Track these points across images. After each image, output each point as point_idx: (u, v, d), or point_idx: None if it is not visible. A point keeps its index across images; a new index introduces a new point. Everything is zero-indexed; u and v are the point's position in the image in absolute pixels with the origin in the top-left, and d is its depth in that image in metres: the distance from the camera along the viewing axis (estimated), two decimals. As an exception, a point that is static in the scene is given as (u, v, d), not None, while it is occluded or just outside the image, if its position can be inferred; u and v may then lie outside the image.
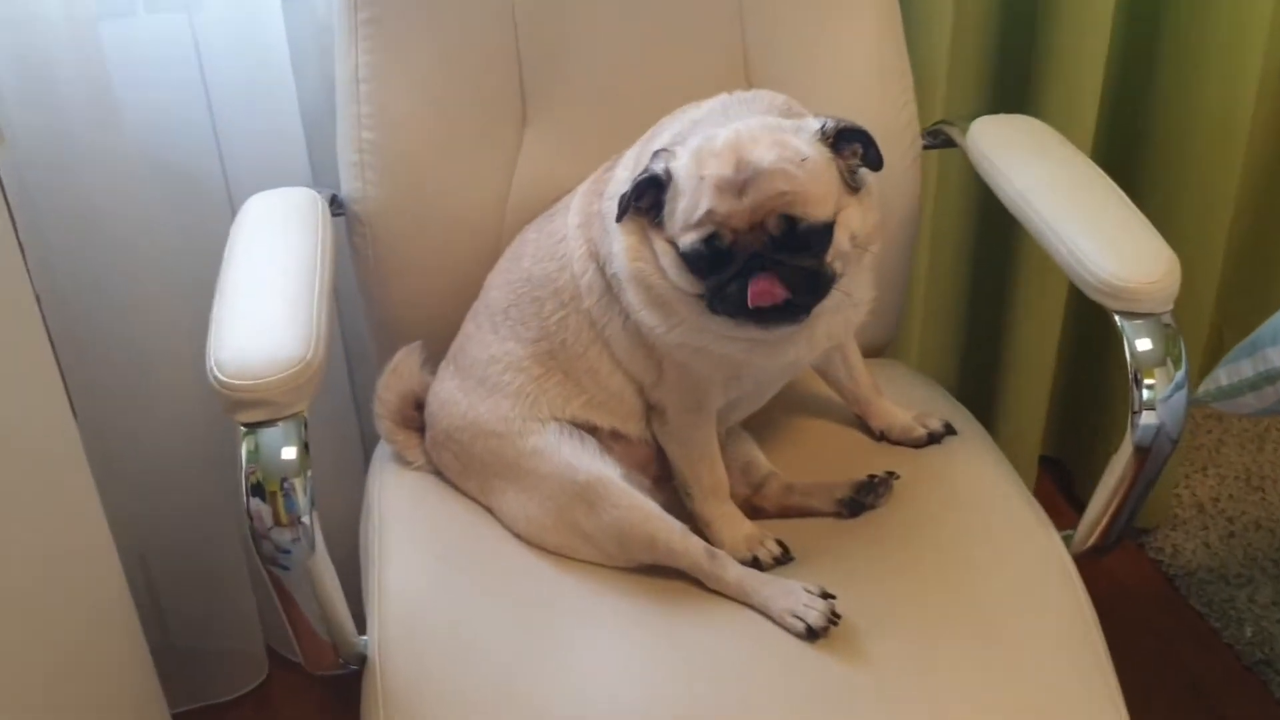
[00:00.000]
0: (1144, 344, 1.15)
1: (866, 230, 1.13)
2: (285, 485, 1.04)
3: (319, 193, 1.33)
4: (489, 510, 1.29)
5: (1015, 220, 1.37)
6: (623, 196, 1.13)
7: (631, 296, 1.17)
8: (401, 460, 1.36)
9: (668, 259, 1.12)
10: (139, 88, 1.49)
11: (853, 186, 1.12)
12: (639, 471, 1.27)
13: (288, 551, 1.05)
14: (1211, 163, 1.76)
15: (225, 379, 1.03)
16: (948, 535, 1.26)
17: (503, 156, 1.40)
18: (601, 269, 1.22)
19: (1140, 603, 1.99)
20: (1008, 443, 1.98)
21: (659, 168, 1.11)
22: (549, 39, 1.38)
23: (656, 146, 1.16)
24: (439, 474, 1.34)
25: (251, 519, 1.03)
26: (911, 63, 1.47)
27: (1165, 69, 1.76)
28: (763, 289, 1.06)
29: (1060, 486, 2.17)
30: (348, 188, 1.37)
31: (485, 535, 1.27)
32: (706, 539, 1.25)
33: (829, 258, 1.10)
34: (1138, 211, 1.22)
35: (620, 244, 1.15)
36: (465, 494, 1.32)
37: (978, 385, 2.02)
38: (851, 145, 1.13)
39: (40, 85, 1.40)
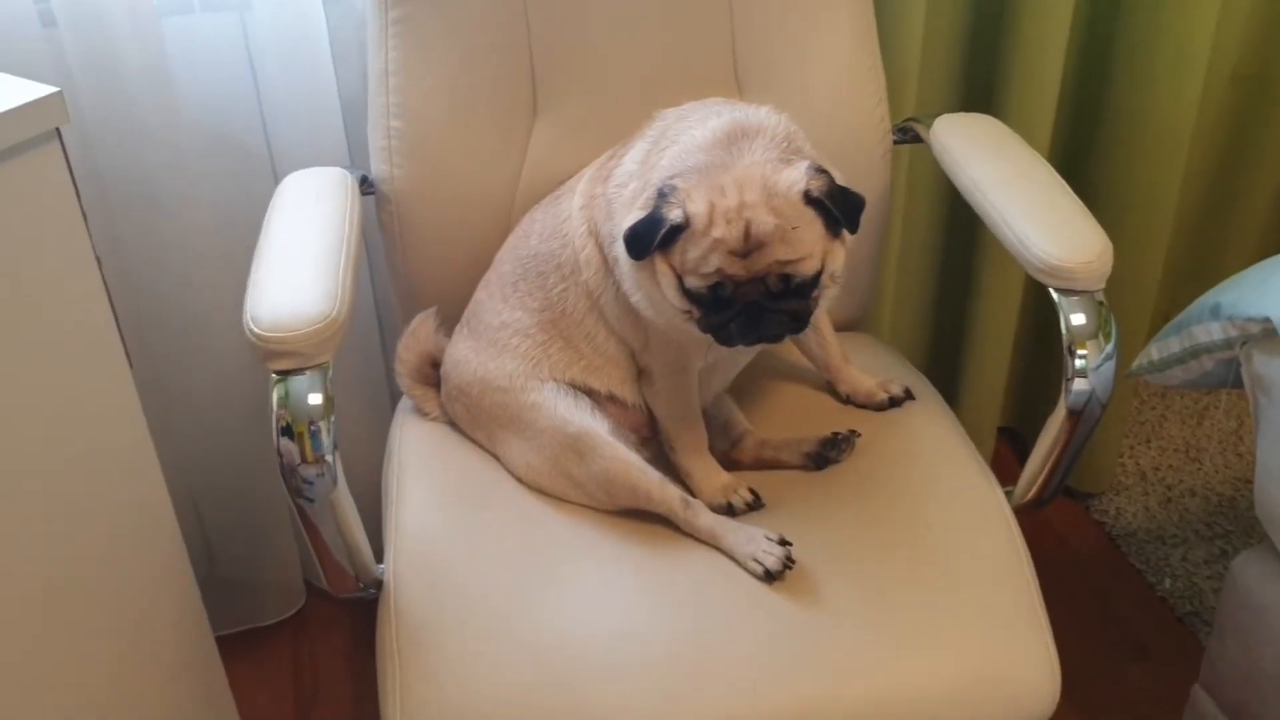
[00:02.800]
0: (1078, 318, 1.16)
1: (842, 265, 1.15)
2: (312, 427, 1.06)
3: (351, 173, 1.35)
4: (495, 457, 1.31)
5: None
6: (643, 233, 1.12)
7: (627, 284, 1.19)
8: (420, 412, 1.39)
9: (668, 280, 1.13)
10: (196, 78, 1.51)
11: (834, 234, 1.13)
12: (631, 432, 1.29)
13: (311, 484, 1.07)
14: (1158, 160, 1.76)
15: (259, 331, 1.05)
16: (900, 488, 1.28)
17: (514, 143, 1.41)
18: (600, 246, 1.23)
19: (1085, 560, 1.99)
20: (969, 413, 2.00)
21: (677, 216, 1.10)
22: (558, 38, 1.39)
23: (662, 165, 1.16)
24: (453, 425, 1.36)
25: (281, 456, 1.06)
26: (885, 62, 1.47)
27: (1118, 72, 1.76)
28: (756, 335, 1.13)
29: (1018, 453, 2.17)
30: (377, 170, 1.39)
31: (491, 479, 1.29)
32: (688, 488, 1.27)
33: (815, 294, 1.13)
34: (1078, 200, 1.23)
35: (626, 258, 1.15)
36: (475, 442, 1.33)
37: (943, 360, 2.03)
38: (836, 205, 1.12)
39: (107, 76, 1.42)
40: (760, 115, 1.17)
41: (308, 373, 1.06)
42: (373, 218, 1.42)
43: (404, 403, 1.42)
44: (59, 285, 1.15)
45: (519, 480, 1.29)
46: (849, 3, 1.42)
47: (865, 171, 1.43)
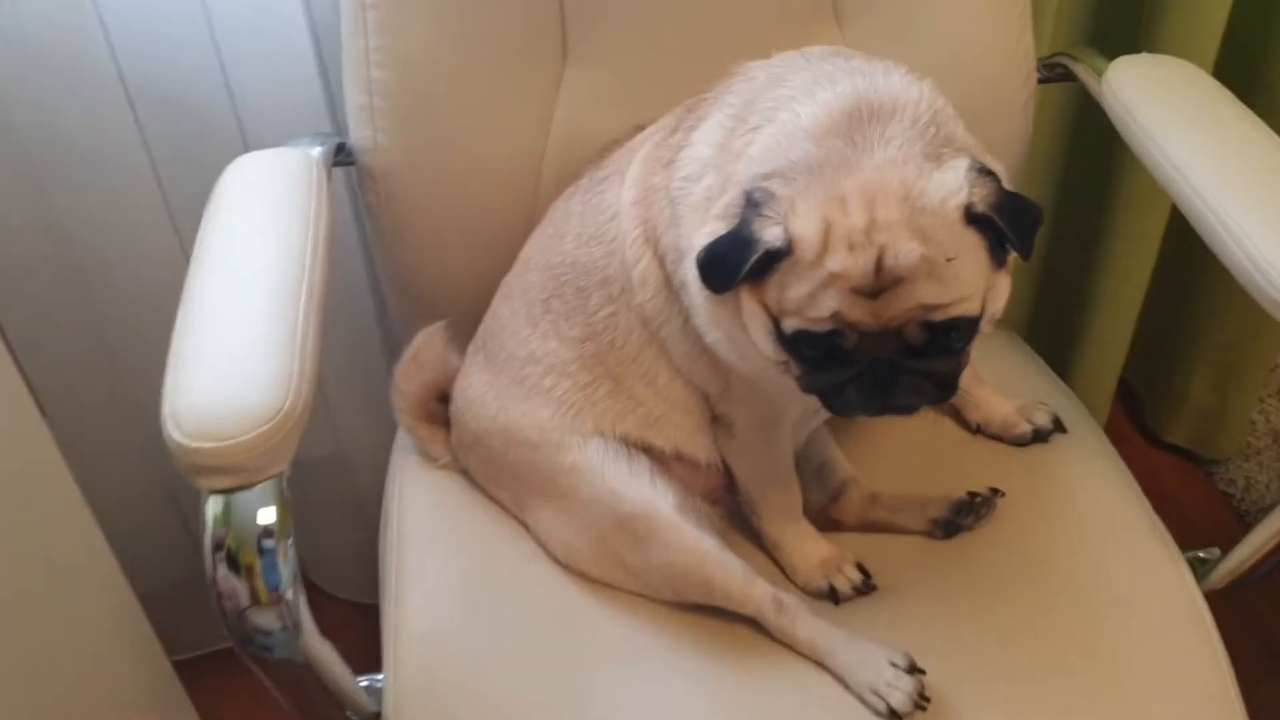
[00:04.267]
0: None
1: (1004, 304, 0.82)
2: (264, 552, 0.75)
3: (319, 147, 1.01)
4: (523, 524, 1.01)
5: (1109, 159, 1.02)
6: (725, 258, 0.80)
7: (700, 318, 0.86)
8: (425, 455, 1.08)
9: (759, 322, 0.80)
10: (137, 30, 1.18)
11: (999, 263, 0.81)
12: (704, 498, 0.99)
13: (269, 634, 0.77)
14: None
15: (181, 440, 0.72)
16: (1057, 571, 0.98)
17: (538, 96, 1.06)
18: (660, 261, 0.90)
19: (1207, 540, 1.73)
20: (1085, 375, 1.70)
21: (776, 238, 0.78)
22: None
23: (751, 155, 0.82)
24: (466, 473, 1.06)
25: (221, 597, 0.75)
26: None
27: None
28: (883, 404, 0.80)
29: (1128, 412, 1.89)
30: (356, 135, 1.04)
31: (517, 559, 0.99)
32: (775, 561, 0.98)
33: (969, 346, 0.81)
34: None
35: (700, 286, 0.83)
36: (497, 502, 1.03)
37: (1055, 320, 1.71)
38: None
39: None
40: (895, 85, 0.82)
41: (256, 487, 0.74)
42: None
43: (402, 439, 1.11)
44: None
45: (554, 559, 0.99)
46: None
47: (1003, 119, 1.11)
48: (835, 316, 0.78)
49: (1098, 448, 1.08)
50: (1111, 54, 1.10)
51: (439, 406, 1.07)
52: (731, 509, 1.02)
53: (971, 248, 0.78)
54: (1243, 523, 1.74)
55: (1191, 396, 1.77)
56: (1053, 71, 1.15)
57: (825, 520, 1.03)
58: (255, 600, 0.75)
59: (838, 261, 0.76)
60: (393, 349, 1.37)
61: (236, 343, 0.77)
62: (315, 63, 1.20)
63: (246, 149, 1.05)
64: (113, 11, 1.16)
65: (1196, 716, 0.90)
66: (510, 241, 1.06)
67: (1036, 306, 1.74)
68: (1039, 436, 1.08)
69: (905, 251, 0.76)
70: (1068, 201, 1.60)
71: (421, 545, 1.01)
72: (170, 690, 1.28)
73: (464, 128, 1.04)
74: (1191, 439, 1.82)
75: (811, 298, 0.78)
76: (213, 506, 0.75)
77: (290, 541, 0.75)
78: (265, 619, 0.76)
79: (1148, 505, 1.03)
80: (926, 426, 1.11)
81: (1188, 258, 1.62)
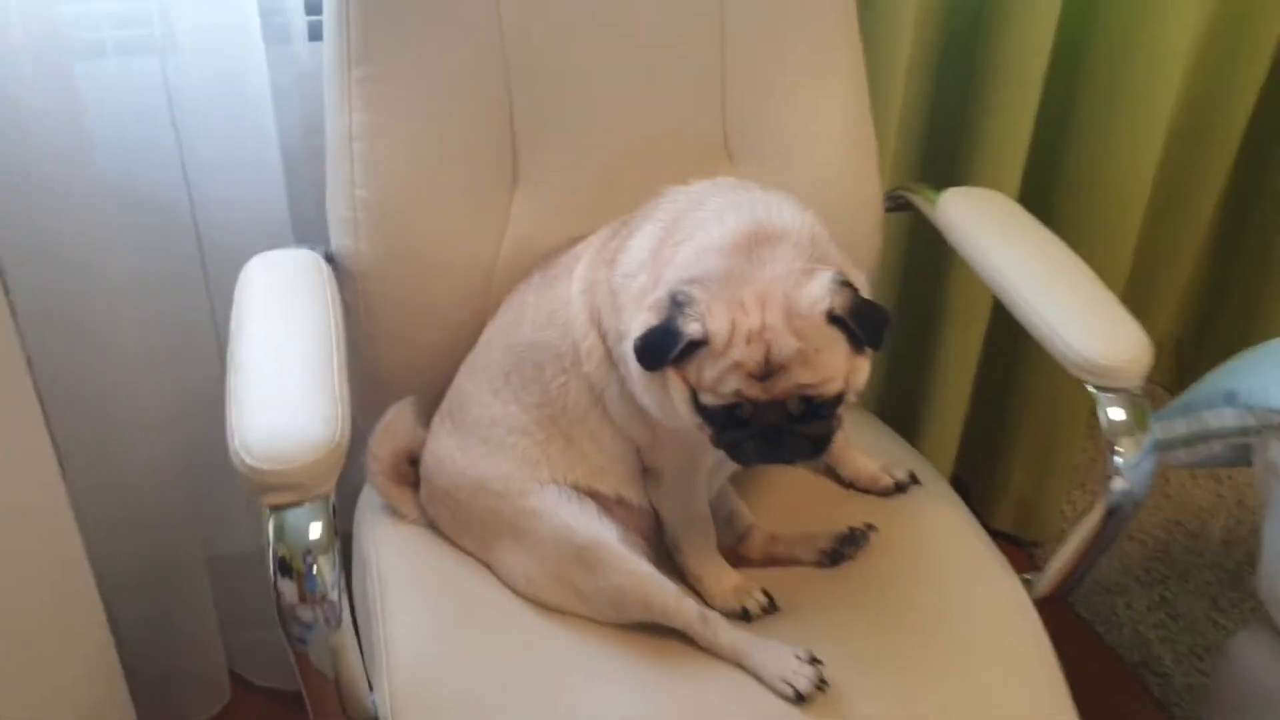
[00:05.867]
0: (1117, 414, 1.12)
1: (865, 380, 1.07)
2: (309, 563, 0.93)
3: (316, 251, 1.22)
4: (487, 566, 1.20)
5: (941, 269, 1.33)
6: (657, 344, 1.03)
7: (635, 385, 1.10)
8: (395, 513, 1.26)
9: (680, 394, 1.04)
10: (109, 127, 1.36)
11: (858, 350, 1.05)
12: (638, 536, 1.19)
13: (310, 627, 0.94)
14: (1116, 224, 1.76)
15: (253, 463, 0.92)
16: (920, 585, 1.22)
17: (494, 214, 1.30)
18: (603, 338, 1.13)
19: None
20: (929, 446, 1.96)
21: (696, 331, 1.01)
22: (540, 101, 1.28)
23: (676, 262, 1.07)
24: (432, 527, 1.24)
25: (280, 596, 0.93)
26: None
27: (1081, 141, 1.75)
28: (773, 456, 1.06)
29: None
30: (339, 243, 1.25)
31: (485, 592, 1.18)
32: (697, 592, 1.18)
33: (838, 414, 1.06)
34: (1111, 293, 1.19)
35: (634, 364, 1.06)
36: (463, 549, 1.22)
37: (896, 414, 1.99)
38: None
39: (9, 118, 1.26)
40: (785, 214, 1.08)
41: (307, 505, 0.93)
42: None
43: (368, 497, 1.29)
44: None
45: (516, 592, 1.18)
46: (844, 71, 1.36)
47: (860, 239, 1.38)
48: (737, 393, 1.02)
49: (946, 495, 1.34)
50: (936, 186, 1.42)
51: (409, 469, 1.26)
52: (659, 549, 1.22)
53: (834, 341, 1.02)
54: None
55: (1012, 487, 2.04)
56: (896, 202, 1.46)
57: (734, 558, 1.24)
58: (301, 599, 0.93)
59: (739, 353, 1.00)
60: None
61: (291, 392, 0.97)
62: (282, 179, 1.41)
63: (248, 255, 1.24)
64: (99, 131, 1.34)
65: (1028, 687, 1.14)
66: (467, 331, 1.27)
67: (887, 389, 2.01)
68: (899, 488, 1.33)
69: (785, 346, 1.00)
70: (911, 301, 1.90)
71: (401, 583, 1.18)
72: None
73: (432, 237, 1.26)
74: (1014, 524, 2.08)
75: (720, 379, 1.01)
76: (273, 522, 0.93)
77: (335, 550, 0.94)
78: (308, 614, 0.94)
79: (989, 538, 1.29)
80: (811, 482, 1.35)
81: (1007, 363, 1.93)
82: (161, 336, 1.48)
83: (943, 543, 1.27)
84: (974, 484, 2.14)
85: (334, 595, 0.94)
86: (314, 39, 1.40)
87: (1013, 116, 1.62)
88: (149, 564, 1.59)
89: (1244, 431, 1.24)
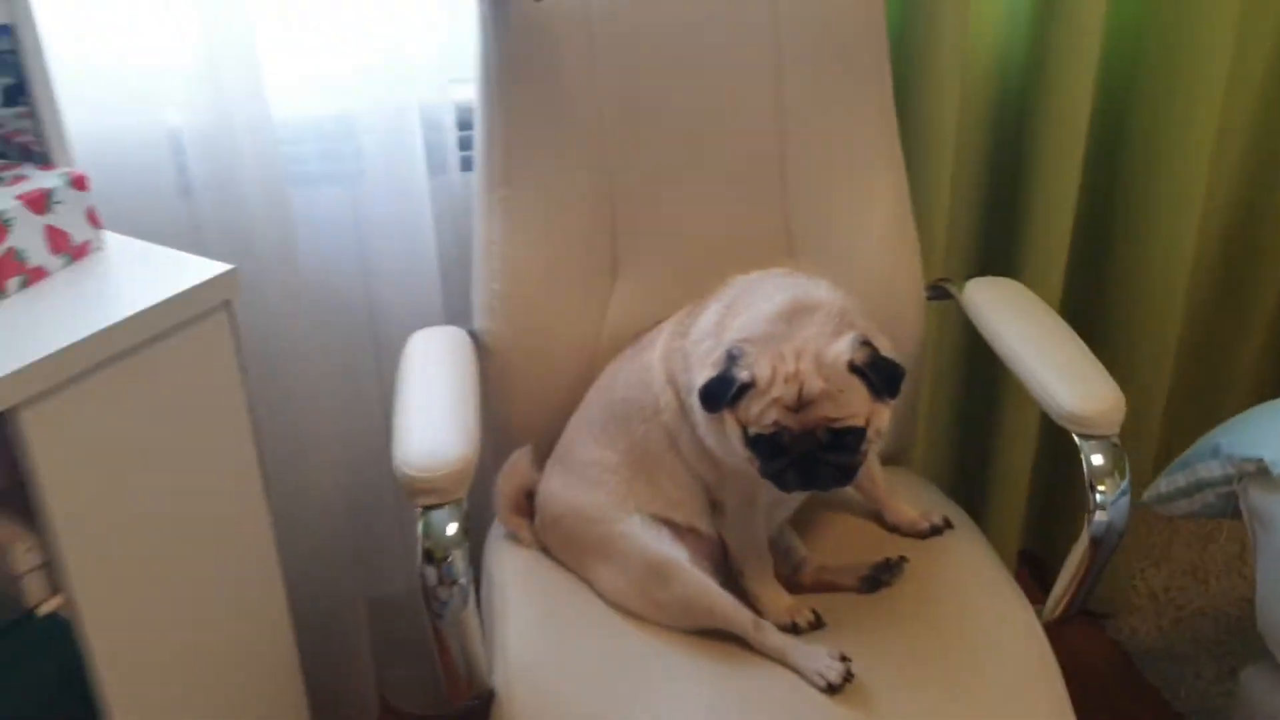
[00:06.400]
0: (1097, 459, 1.35)
1: (887, 424, 1.31)
2: (448, 554, 1.24)
3: (461, 328, 1.56)
4: (586, 581, 1.48)
5: (998, 359, 1.58)
6: (716, 391, 1.29)
7: (701, 429, 1.38)
8: (515, 539, 1.56)
9: (735, 432, 1.31)
10: (312, 245, 1.72)
11: (879, 398, 1.28)
12: (706, 560, 1.44)
13: (445, 604, 1.24)
14: (1158, 313, 1.97)
15: (411, 471, 1.24)
16: (945, 608, 1.44)
17: (598, 301, 1.61)
18: (678, 393, 1.42)
19: (1104, 678, 2.12)
20: (992, 538, 2.11)
21: (745, 377, 1.27)
22: (636, 212, 1.60)
23: (733, 328, 1.34)
24: (545, 551, 1.53)
25: (424, 579, 1.24)
26: (918, 227, 1.67)
27: (1119, 236, 1.98)
28: (808, 482, 1.31)
29: (1033, 574, 2.32)
30: (480, 324, 1.58)
31: (583, 601, 1.45)
32: (756, 610, 1.42)
33: (862, 448, 1.31)
34: (1094, 358, 1.43)
35: (701, 414, 1.34)
36: (567, 567, 1.50)
37: (969, 490, 2.20)
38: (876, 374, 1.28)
39: (239, 242, 1.63)
40: (820, 292, 1.36)
41: (446, 507, 1.24)
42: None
43: (495, 529, 1.60)
44: (216, 435, 1.35)
45: (607, 602, 1.45)
46: (888, 178, 1.64)
47: (903, 324, 1.62)
48: (775, 423, 1.29)
49: (975, 537, 1.57)
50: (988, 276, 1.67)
51: (526, 502, 1.57)
52: (724, 572, 1.46)
53: (855, 386, 1.28)
54: (1130, 663, 2.13)
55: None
56: (937, 291, 1.72)
57: (790, 585, 1.48)
58: (440, 582, 1.24)
59: (778, 390, 1.28)
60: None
61: (439, 425, 1.31)
62: (439, 283, 1.77)
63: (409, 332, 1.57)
64: (305, 249, 1.71)
65: (1033, 697, 1.34)
66: (576, 394, 1.57)
67: (959, 481, 2.22)
68: (934, 531, 1.56)
69: (814, 385, 1.27)
70: (973, 385, 2.12)
71: (517, 592, 1.47)
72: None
73: (551, 319, 1.58)
74: (1091, 598, 2.25)
75: (763, 412, 1.29)
76: (422, 523, 1.24)
77: (466, 547, 1.24)
78: (444, 593, 1.25)
79: (1007, 572, 1.51)
80: (859, 526, 1.60)
81: (1071, 442, 2.12)
82: (336, 396, 1.81)
83: (968, 576, 1.50)
84: (1046, 557, 2.31)
85: (464, 581, 1.24)
86: (465, 170, 1.76)
87: (1051, 214, 1.87)
88: (308, 599, 1.82)
89: (1228, 480, 1.44)
